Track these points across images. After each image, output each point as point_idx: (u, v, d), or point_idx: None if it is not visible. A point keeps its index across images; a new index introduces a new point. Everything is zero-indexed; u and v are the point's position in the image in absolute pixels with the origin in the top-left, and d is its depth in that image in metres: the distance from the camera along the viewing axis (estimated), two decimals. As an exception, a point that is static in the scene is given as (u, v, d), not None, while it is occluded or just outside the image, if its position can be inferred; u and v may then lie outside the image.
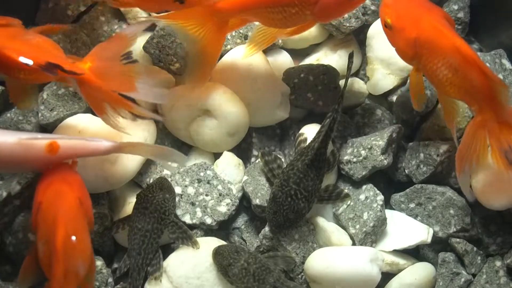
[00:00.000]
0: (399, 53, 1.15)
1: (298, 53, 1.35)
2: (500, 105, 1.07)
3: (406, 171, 1.27)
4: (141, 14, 1.31)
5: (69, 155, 1.08)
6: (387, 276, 1.20)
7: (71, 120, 1.22)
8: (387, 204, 1.27)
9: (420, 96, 1.18)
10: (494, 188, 1.17)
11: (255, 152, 1.27)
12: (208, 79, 1.19)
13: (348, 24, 1.28)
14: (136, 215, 1.16)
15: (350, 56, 1.24)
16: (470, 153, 1.10)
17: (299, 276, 1.19)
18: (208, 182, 1.23)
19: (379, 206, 1.21)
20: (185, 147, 1.30)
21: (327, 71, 1.30)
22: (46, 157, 1.06)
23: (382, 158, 1.23)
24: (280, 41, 1.31)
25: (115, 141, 1.10)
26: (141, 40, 1.29)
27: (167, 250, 1.20)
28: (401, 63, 1.21)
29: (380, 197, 1.22)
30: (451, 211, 1.23)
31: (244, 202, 1.25)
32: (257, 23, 1.18)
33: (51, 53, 1.05)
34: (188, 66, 1.17)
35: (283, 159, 1.24)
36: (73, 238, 0.96)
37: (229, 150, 1.27)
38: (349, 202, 1.23)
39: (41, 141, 1.05)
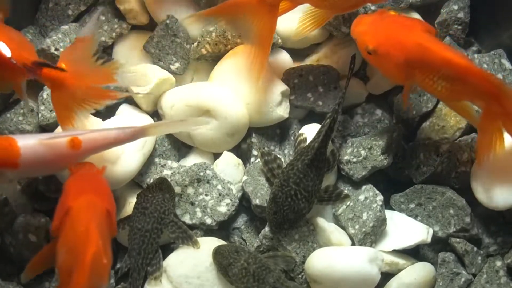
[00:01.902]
0: (388, 77, 1.15)
1: (298, 53, 1.35)
2: (505, 99, 1.06)
3: (406, 171, 1.27)
4: (141, 14, 1.31)
5: (93, 148, 1.07)
6: (387, 276, 1.20)
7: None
8: (387, 204, 1.27)
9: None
10: (495, 188, 1.17)
11: (254, 152, 1.27)
12: (265, 65, 1.19)
13: (348, 24, 1.28)
14: (136, 215, 1.16)
15: (352, 58, 1.24)
16: (489, 146, 1.11)
17: (300, 276, 1.19)
18: (207, 182, 1.23)
19: (378, 207, 1.21)
20: (185, 147, 1.30)
21: (327, 71, 1.29)
22: (70, 154, 1.05)
23: (382, 158, 1.23)
24: (279, 40, 1.31)
25: (137, 126, 1.10)
26: (142, 40, 1.30)
27: (167, 250, 1.20)
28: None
29: (380, 197, 1.22)
30: (451, 211, 1.23)
31: (244, 202, 1.25)
32: (306, 4, 1.18)
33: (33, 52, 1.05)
34: (247, 56, 1.19)
35: (282, 159, 1.24)
36: (105, 262, 0.94)
37: (228, 150, 1.27)
38: (348, 202, 1.23)
39: (62, 138, 1.05)
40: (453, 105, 1.15)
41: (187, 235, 1.17)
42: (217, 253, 1.14)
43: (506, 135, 1.11)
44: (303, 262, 1.18)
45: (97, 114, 1.27)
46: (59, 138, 1.05)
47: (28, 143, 1.03)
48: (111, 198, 1.05)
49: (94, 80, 1.07)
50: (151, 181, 1.22)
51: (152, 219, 1.16)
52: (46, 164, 1.05)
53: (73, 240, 0.96)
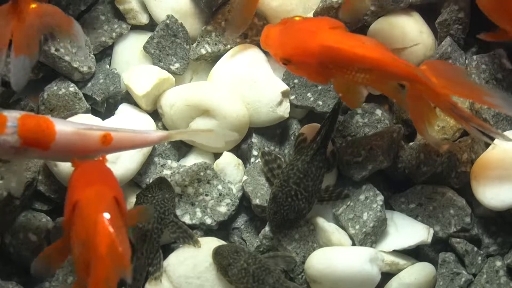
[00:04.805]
0: (312, 81, 1.16)
1: (298, 53, 1.35)
2: (423, 80, 1.07)
3: (406, 171, 1.27)
4: (141, 14, 1.31)
5: (120, 147, 1.10)
6: (387, 276, 1.20)
7: (71, 120, 1.22)
8: (387, 204, 1.27)
9: (354, 97, 1.16)
10: (495, 188, 1.17)
11: (255, 152, 1.27)
12: (246, 26, 1.22)
13: (347, 24, 1.28)
14: (136, 215, 1.17)
15: None
16: (422, 117, 1.11)
17: (300, 276, 1.20)
18: (208, 182, 1.23)
19: (379, 207, 1.21)
20: (185, 147, 1.30)
21: (327, 71, 1.29)
22: (99, 148, 1.08)
23: (382, 158, 1.23)
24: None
25: (163, 131, 1.14)
26: (142, 40, 1.30)
27: (167, 250, 1.21)
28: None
29: (380, 197, 1.22)
30: (451, 211, 1.23)
31: (244, 202, 1.25)
32: None
33: None
34: (232, 15, 1.23)
35: (283, 159, 1.24)
36: (121, 249, 0.93)
37: (228, 150, 1.27)
38: (348, 202, 1.23)
39: (96, 131, 1.08)
40: (379, 87, 1.15)
41: (187, 234, 1.18)
42: (217, 253, 1.15)
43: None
44: (303, 262, 1.19)
45: (97, 113, 1.27)
46: (95, 131, 1.08)
47: (65, 130, 1.06)
48: (117, 185, 1.05)
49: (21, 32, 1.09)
50: (151, 181, 1.22)
51: (152, 219, 1.16)
52: (72, 152, 1.08)
53: (85, 233, 0.96)
